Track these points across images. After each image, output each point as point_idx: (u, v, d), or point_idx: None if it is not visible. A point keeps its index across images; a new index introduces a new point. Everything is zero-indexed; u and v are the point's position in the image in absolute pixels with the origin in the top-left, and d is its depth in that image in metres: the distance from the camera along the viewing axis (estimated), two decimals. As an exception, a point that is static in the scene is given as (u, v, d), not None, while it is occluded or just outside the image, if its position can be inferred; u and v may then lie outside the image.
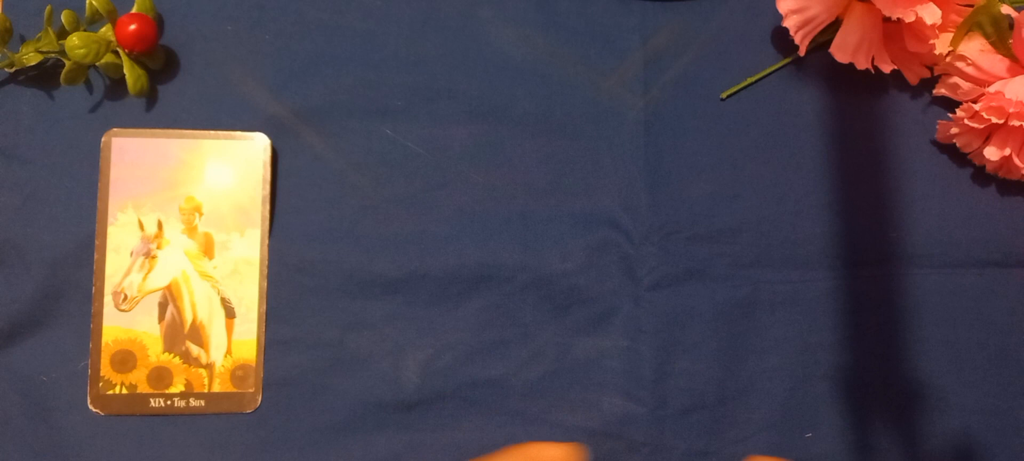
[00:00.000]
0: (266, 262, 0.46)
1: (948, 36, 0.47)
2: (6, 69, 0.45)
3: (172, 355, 0.45)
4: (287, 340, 0.46)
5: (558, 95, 0.49)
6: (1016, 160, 0.47)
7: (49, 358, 0.45)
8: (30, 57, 0.45)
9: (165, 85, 0.47)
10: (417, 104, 0.48)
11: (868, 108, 0.50)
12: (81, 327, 0.45)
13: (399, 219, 0.48)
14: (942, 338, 0.49)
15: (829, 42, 0.48)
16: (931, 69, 0.49)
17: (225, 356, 0.46)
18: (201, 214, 0.46)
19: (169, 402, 0.45)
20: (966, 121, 0.47)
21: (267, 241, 0.47)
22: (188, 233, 0.46)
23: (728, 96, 0.50)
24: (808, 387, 0.48)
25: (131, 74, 0.45)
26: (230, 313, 0.46)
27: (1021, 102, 0.44)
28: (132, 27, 0.44)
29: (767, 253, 0.49)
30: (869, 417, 0.48)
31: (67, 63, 0.44)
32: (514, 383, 0.47)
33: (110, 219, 0.46)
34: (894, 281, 0.49)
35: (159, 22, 0.47)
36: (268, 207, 0.47)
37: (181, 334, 0.46)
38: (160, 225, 0.46)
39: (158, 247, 0.46)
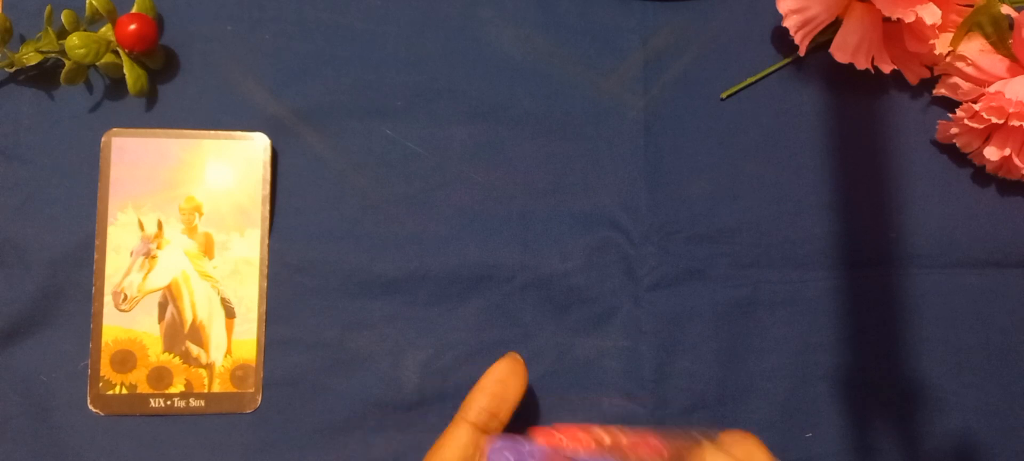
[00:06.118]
0: (266, 262, 0.46)
1: (948, 36, 0.47)
2: (6, 69, 0.45)
3: (172, 355, 0.45)
4: (287, 340, 0.46)
5: (558, 95, 0.49)
6: (1016, 160, 0.47)
7: (49, 358, 0.45)
8: (30, 57, 0.45)
9: (165, 85, 0.47)
10: (417, 104, 0.48)
11: (868, 108, 0.50)
12: (81, 327, 0.45)
13: (399, 219, 0.48)
14: (942, 338, 0.49)
15: (829, 42, 0.48)
16: (931, 69, 0.49)
17: (225, 356, 0.46)
18: (201, 214, 0.46)
19: (169, 402, 0.45)
20: (966, 121, 0.47)
21: (267, 241, 0.47)
22: (188, 233, 0.46)
23: (728, 96, 0.50)
24: (808, 387, 0.48)
25: (131, 74, 0.45)
26: (230, 313, 0.46)
27: (1021, 102, 0.44)
28: (132, 27, 0.44)
29: (767, 253, 0.49)
30: (869, 417, 0.48)
31: (67, 63, 0.44)
32: (514, 383, 0.47)
33: (110, 219, 0.46)
34: (894, 281, 0.49)
35: (159, 22, 0.47)
36: (268, 207, 0.47)
37: (181, 334, 0.46)
38: (160, 225, 0.46)
39: (158, 247, 0.46)
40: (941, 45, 0.47)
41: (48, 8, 0.44)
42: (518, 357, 0.42)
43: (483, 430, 0.39)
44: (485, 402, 0.40)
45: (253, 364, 0.46)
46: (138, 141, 0.46)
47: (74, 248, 0.46)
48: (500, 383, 0.40)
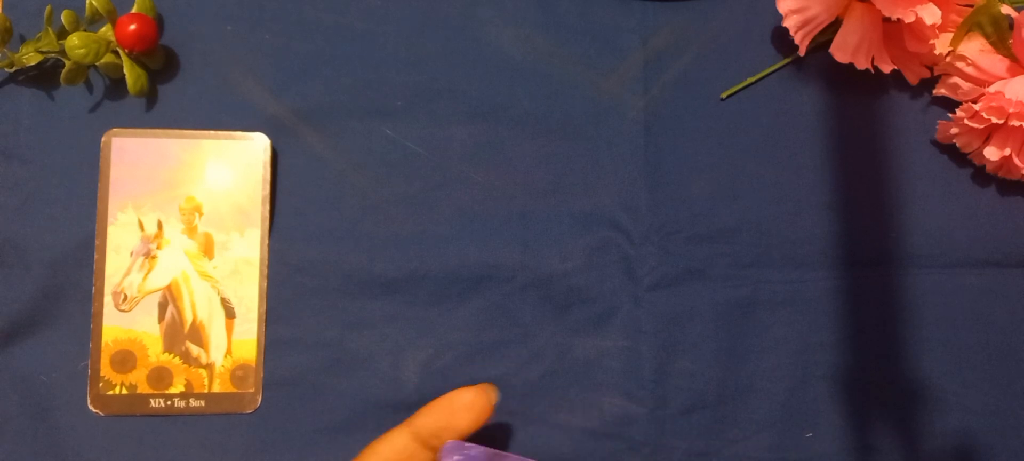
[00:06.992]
0: (266, 262, 0.46)
1: (948, 36, 0.47)
2: (6, 69, 0.45)
3: (172, 355, 0.45)
4: (287, 340, 0.46)
5: (558, 95, 0.49)
6: (1016, 160, 0.47)
7: (49, 358, 0.45)
8: (30, 57, 0.45)
9: (165, 85, 0.47)
10: (417, 104, 0.48)
11: (868, 108, 0.50)
12: (81, 327, 0.45)
13: (399, 219, 0.48)
14: (942, 338, 0.49)
15: (829, 42, 0.48)
16: (931, 69, 0.49)
17: (225, 356, 0.46)
18: (201, 214, 0.46)
19: (169, 402, 0.45)
20: (966, 121, 0.47)
21: (267, 241, 0.47)
22: (188, 233, 0.46)
23: (728, 96, 0.50)
24: (808, 387, 0.48)
25: (131, 74, 0.45)
26: (230, 313, 0.46)
27: (1021, 102, 0.44)
28: (132, 27, 0.44)
29: (767, 253, 0.49)
30: (869, 417, 0.48)
31: (67, 63, 0.44)
32: (514, 383, 0.47)
33: (110, 219, 0.46)
34: (894, 281, 0.49)
35: (159, 22, 0.47)
36: (268, 207, 0.47)
37: (181, 334, 0.46)
38: (160, 225, 0.46)
39: (158, 247, 0.46)
40: (941, 45, 0.47)
41: (48, 8, 0.44)
42: (488, 394, 0.41)
43: (423, 445, 0.40)
44: (430, 422, 0.40)
45: (253, 364, 0.46)
46: (138, 141, 0.46)
47: (74, 248, 0.46)
48: (451, 413, 0.40)
